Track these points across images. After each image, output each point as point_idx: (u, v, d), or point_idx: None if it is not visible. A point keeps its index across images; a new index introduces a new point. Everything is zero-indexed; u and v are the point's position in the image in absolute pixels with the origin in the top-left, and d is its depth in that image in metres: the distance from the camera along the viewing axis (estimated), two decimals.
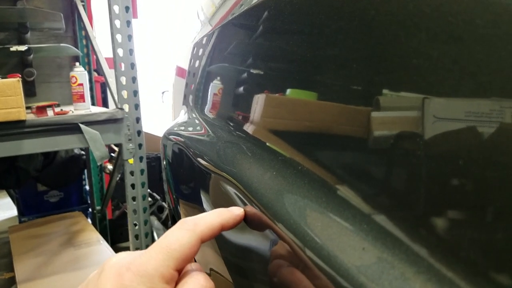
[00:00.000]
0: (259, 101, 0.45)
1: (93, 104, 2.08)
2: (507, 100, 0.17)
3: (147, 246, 1.39)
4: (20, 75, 1.43)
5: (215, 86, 0.65)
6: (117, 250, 1.93)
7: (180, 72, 1.04)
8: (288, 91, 0.39)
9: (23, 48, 1.68)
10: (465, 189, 0.19)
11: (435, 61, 0.21)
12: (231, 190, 0.41)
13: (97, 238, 1.81)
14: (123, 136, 1.55)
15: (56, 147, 1.48)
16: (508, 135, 0.17)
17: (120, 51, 1.52)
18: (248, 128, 0.46)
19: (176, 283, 0.29)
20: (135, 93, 1.57)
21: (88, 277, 0.31)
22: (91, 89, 2.17)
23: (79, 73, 1.60)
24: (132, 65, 1.55)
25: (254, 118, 0.45)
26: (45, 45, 1.87)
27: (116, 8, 1.50)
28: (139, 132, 1.59)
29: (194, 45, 0.87)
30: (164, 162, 0.81)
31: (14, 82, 1.29)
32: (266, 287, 0.33)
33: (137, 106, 1.58)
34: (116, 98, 1.56)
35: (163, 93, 3.08)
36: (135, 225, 1.65)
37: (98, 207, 2.30)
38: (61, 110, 1.54)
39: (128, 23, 1.53)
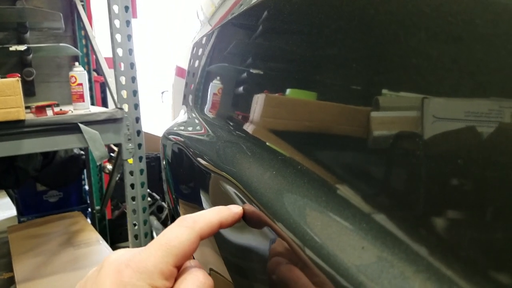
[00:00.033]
0: (258, 101, 0.45)
1: (92, 104, 2.08)
2: (506, 100, 0.17)
3: None
4: (19, 75, 1.43)
5: (214, 86, 0.65)
6: (116, 250, 1.93)
7: (179, 72, 1.04)
8: (288, 91, 0.39)
9: (22, 47, 1.68)
10: (464, 189, 0.19)
11: (435, 61, 0.21)
12: (230, 189, 0.41)
13: (97, 238, 1.81)
14: (123, 136, 1.55)
15: (56, 147, 1.47)
16: (507, 135, 0.17)
17: (119, 51, 1.52)
18: (248, 127, 0.46)
19: (175, 280, 0.29)
20: (135, 93, 1.57)
21: (87, 274, 0.31)
22: (90, 89, 2.17)
23: (79, 73, 1.60)
24: (132, 65, 1.55)
25: (254, 117, 0.45)
26: (44, 45, 1.86)
27: (115, 8, 1.50)
28: (138, 132, 1.59)
29: (193, 45, 0.87)
30: (164, 162, 0.81)
31: (14, 82, 1.29)
32: (265, 286, 0.33)
33: (136, 106, 1.58)
34: (115, 98, 1.56)
35: (162, 93, 3.08)
36: (135, 225, 1.65)
37: (97, 207, 2.30)
38: (61, 110, 1.54)
39: (128, 22, 1.53)
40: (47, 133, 1.40)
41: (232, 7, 0.63)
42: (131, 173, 1.60)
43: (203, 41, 0.77)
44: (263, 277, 0.33)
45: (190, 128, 0.70)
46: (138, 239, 1.65)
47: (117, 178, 1.90)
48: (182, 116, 0.84)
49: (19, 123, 1.34)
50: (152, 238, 1.74)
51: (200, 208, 0.51)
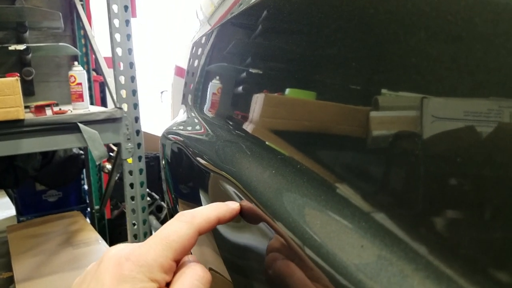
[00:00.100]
0: (258, 101, 0.45)
1: (91, 103, 2.08)
2: (506, 99, 0.17)
3: None
4: (18, 74, 1.43)
5: (214, 85, 0.65)
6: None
7: (179, 71, 1.04)
8: (287, 90, 0.39)
9: (21, 47, 1.68)
10: (463, 188, 0.19)
11: (434, 61, 0.21)
12: (230, 189, 0.41)
13: (96, 237, 1.81)
14: (122, 136, 1.55)
15: (55, 146, 1.47)
16: (506, 134, 0.17)
17: (119, 51, 1.52)
18: (247, 127, 0.46)
19: (174, 274, 0.30)
20: (134, 92, 1.57)
21: (86, 269, 0.31)
22: (89, 88, 2.16)
23: (78, 73, 1.59)
24: (131, 65, 1.55)
25: (253, 117, 0.45)
26: (43, 44, 1.86)
27: (115, 7, 1.50)
28: (138, 132, 1.59)
29: (193, 45, 0.87)
30: (163, 162, 0.81)
31: (13, 81, 1.29)
32: (263, 282, 0.33)
33: (136, 106, 1.58)
34: (115, 97, 1.56)
35: (162, 92, 3.08)
36: (134, 224, 1.65)
37: (96, 207, 2.29)
38: (60, 109, 1.54)
39: (127, 22, 1.53)
40: (46, 133, 1.40)
41: (231, 6, 0.63)
42: (130, 172, 1.60)
43: (203, 41, 0.77)
44: (261, 273, 0.33)
45: (189, 128, 0.70)
46: (137, 239, 1.65)
47: (116, 178, 1.90)
48: (182, 115, 0.84)
49: (18, 122, 1.34)
50: None
51: None
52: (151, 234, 1.72)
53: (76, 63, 1.67)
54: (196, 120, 0.69)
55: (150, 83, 3.44)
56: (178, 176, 0.69)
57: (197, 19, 0.95)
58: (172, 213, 0.83)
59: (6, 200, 2.64)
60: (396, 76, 0.24)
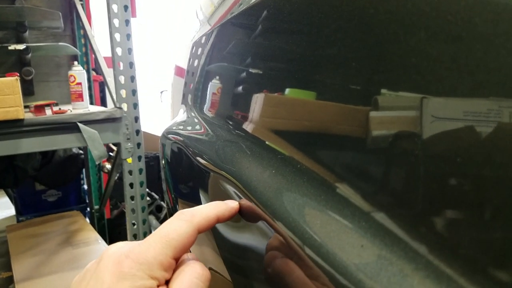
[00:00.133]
0: (258, 100, 0.45)
1: (91, 103, 2.08)
2: (505, 99, 0.17)
3: None
4: (18, 74, 1.43)
5: (214, 85, 0.65)
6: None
7: (179, 71, 1.04)
8: (287, 90, 0.39)
9: (21, 47, 1.68)
10: (463, 188, 0.19)
11: (434, 61, 0.21)
12: (230, 188, 0.41)
13: (95, 237, 1.81)
14: (122, 135, 1.55)
15: (54, 146, 1.47)
16: (506, 134, 0.17)
17: (118, 50, 1.52)
18: (247, 127, 0.46)
19: (173, 271, 0.30)
20: (134, 92, 1.57)
21: (85, 267, 0.31)
22: (89, 88, 2.16)
23: (78, 72, 1.59)
24: (131, 64, 1.55)
25: (253, 117, 0.45)
26: (43, 44, 1.86)
27: (115, 7, 1.50)
28: (137, 131, 1.59)
29: (193, 44, 0.87)
30: (163, 161, 0.81)
31: (13, 81, 1.28)
32: (263, 281, 0.33)
33: (135, 105, 1.58)
34: (114, 97, 1.56)
35: (161, 92, 3.08)
36: (134, 224, 1.65)
37: (96, 207, 2.29)
38: (60, 109, 1.54)
39: (127, 22, 1.53)
40: (46, 133, 1.40)
41: (231, 6, 0.63)
42: (130, 172, 1.60)
43: (203, 41, 0.77)
44: (260, 272, 0.33)
45: (189, 128, 0.70)
46: (137, 239, 1.65)
47: (116, 178, 1.90)
48: (181, 115, 0.84)
49: (18, 122, 1.34)
50: None
51: None
52: (150, 234, 1.72)
53: (75, 62, 1.67)
54: (196, 120, 0.69)
55: (150, 83, 3.44)
56: (178, 176, 0.69)
57: (197, 19, 0.95)
58: (171, 213, 0.82)
59: (6, 199, 2.63)
60: (396, 76, 0.24)
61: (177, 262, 0.30)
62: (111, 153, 1.97)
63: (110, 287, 0.27)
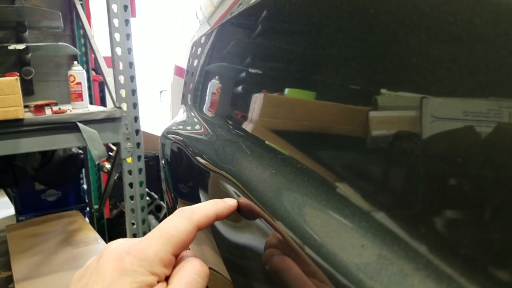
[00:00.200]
0: (257, 100, 0.45)
1: (91, 103, 2.08)
2: (505, 99, 0.17)
3: None
4: (18, 74, 1.43)
5: (213, 85, 0.65)
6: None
7: (178, 71, 1.04)
8: (287, 90, 0.39)
9: (21, 46, 1.68)
10: (463, 188, 0.19)
11: (434, 61, 0.21)
12: (230, 188, 0.41)
13: (95, 237, 1.81)
14: (121, 135, 1.55)
15: (54, 146, 1.47)
16: (506, 134, 0.17)
17: (118, 50, 1.52)
18: (247, 126, 0.46)
19: (173, 268, 0.30)
20: (133, 92, 1.57)
21: (86, 264, 0.31)
22: (89, 88, 2.16)
23: (77, 72, 1.59)
24: (131, 64, 1.55)
25: (253, 117, 0.45)
26: (43, 44, 1.86)
27: (114, 7, 1.50)
28: (137, 131, 1.59)
29: (192, 44, 0.87)
30: (163, 161, 0.81)
31: (12, 81, 1.28)
32: (261, 279, 0.33)
33: (135, 105, 1.58)
34: (114, 97, 1.56)
35: (161, 92, 3.07)
36: (133, 224, 1.65)
37: (96, 206, 2.29)
38: (59, 109, 1.54)
39: (127, 22, 1.53)
40: (46, 132, 1.40)
41: (231, 6, 0.63)
42: (130, 172, 1.60)
43: (202, 41, 0.77)
44: (259, 269, 0.33)
45: (189, 127, 0.70)
46: None
47: (116, 177, 1.90)
48: (181, 115, 0.84)
49: (17, 122, 1.33)
50: None
51: None
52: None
53: (75, 62, 1.67)
54: (196, 120, 0.69)
55: (149, 82, 3.44)
56: (177, 176, 0.69)
57: (196, 19, 0.95)
58: (171, 213, 0.82)
59: (5, 199, 2.63)
60: (396, 76, 0.24)
61: (176, 258, 0.31)
62: (110, 153, 1.97)
63: (111, 283, 0.27)
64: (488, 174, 0.18)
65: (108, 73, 1.67)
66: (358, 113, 0.27)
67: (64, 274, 1.50)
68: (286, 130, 0.38)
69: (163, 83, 2.90)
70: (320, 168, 0.31)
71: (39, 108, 1.46)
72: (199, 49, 0.79)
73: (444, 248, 0.19)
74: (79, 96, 1.59)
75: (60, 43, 1.87)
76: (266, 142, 0.41)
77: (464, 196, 0.19)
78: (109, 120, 1.51)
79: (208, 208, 0.33)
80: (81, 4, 2.04)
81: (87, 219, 2.20)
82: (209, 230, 0.46)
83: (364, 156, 0.27)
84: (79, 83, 1.58)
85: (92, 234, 1.84)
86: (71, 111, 1.53)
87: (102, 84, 2.34)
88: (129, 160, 1.59)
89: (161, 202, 2.33)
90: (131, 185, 1.61)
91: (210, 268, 0.49)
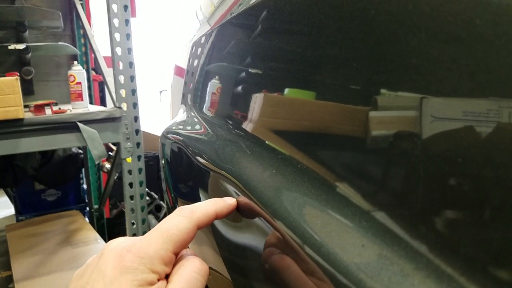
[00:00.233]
0: (257, 100, 0.45)
1: (91, 102, 2.08)
2: (505, 99, 0.17)
3: None
4: (18, 74, 1.43)
5: (213, 85, 0.65)
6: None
7: (178, 71, 1.04)
8: (287, 90, 0.39)
9: (21, 46, 1.68)
10: (463, 188, 0.19)
11: (434, 61, 0.21)
12: (230, 188, 0.41)
13: (95, 237, 1.81)
14: (121, 135, 1.55)
15: (54, 145, 1.47)
16: (505, 134, 0.17)
17: (118, 50, 1.52)
18: (247, 126, 0.46)
19: (173, 266, 0.31)
20: (133, 92, 1.57)
21: (86, 262, 0.31)
22: (89, 87, 2.16)
23: (77, 72, 1.59)
24: (131, 64, 1.55)
25: (253, 117, 0.45)
26: (43, 44, 1.86)
27: (114, 7, 1.50)
28: (137, 131, 1.59)
29: (192, 44, 0.87)
30: (163, 161, 0.81)
31: (12, 81, 1.28)
32: (261, 278, 0.33)
33: (135, 105, 1.58)
34: (114, 97, 1.56)
35: (161, 92, 3.08)
36: (133, 224, 1.65)
37: (95, 206, 2.29)
38: (59, 108, 1.54)
39: (127, 21, 1.53)
40: (46, 132, 1.40)
41: (231, 6, 0.63)
42: (130, 172, 1.60)
43: (202, 41, 0.77)
44: (259, 269, 0.33)
45: (189, 127, 0.70)
46: None
47: (116, 177, 1.89)
48: (181, 115, 0.84)
49: (17, 121, 1.33)
50: None
51: None
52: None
53: (75, 62, 1.67)
54: (196, 120, 0.70)
55: (149, 82, 3.44)
56: (177, 176, 0.69)
57: (196, 19, 0.95)
58: (171, 213, 0.82)
59: (5, 199, 2.63)
60: (396, 76, 0.24)
61: (176, 257, 0.31)
62: (110, 153, 1.97)
63: (112, 280, 0.27)
64: (488, 174, 0.18)
65: (108, 73, 1.67)
66: (358, 113, 0.27)
67: (64, 274, 1.50)
68: (286, 130, 0.38)
69: (163, 83, 2.90)
70: (320, 168, 0.31)
71: (39, 108, 1.46)
72: (199, 49, 0.79)
73: (445, 248, 0.20)
74: (79, 96, 1.59)
75: (60, 43, 1.87)
76: (266, 142, 0.41)
77: (464, 196, 0.19)
78: (109, 120, 1.51)
79: (208, 206, 0.33)
80: (81, 4, 2.04)
81: (87, 219, 2.20)
82: (209, 229, 0.46)
83: (364, 156, 0.27)
84: (79, 83, 1.58)
85: (92, 234, 1.84)
86: (71, 111, 1.53)
87: (102, 84, 2.34)
88: (129, 160, 1.59)
89: (161, 202, 2.33)
90: (131, 185, 1.61)
91: (209, 268, 0.49)
